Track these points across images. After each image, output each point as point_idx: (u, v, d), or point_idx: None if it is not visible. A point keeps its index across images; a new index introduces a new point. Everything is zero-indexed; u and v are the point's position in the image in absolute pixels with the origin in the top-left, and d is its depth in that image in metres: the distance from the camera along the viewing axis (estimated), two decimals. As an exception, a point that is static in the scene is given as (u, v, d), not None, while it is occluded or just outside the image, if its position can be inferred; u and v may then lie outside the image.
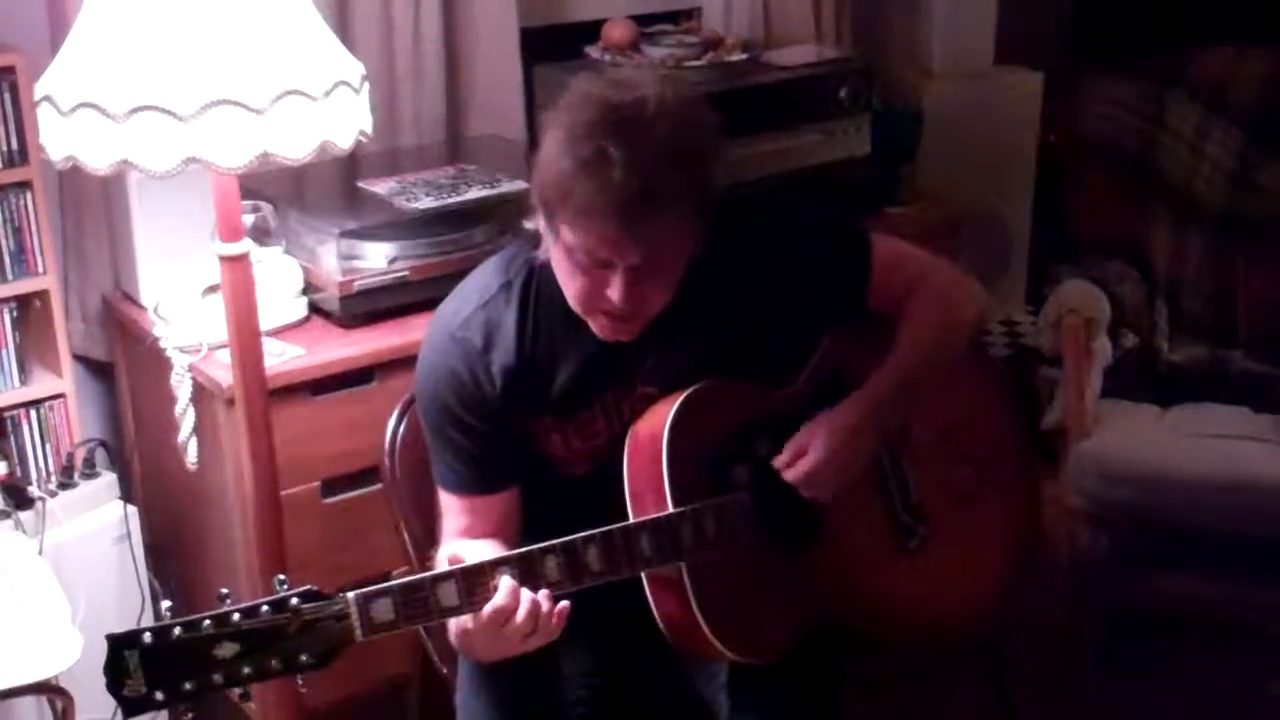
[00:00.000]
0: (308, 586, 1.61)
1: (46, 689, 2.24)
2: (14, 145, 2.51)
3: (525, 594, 1.67)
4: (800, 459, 1.88)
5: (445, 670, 2.09)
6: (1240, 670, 2.92)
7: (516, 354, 1.84)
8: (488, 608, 1.66)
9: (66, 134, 1.90)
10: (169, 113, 1.84)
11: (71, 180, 2.71)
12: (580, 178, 1.65)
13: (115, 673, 1.53)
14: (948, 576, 2.03)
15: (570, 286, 1.77)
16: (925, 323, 1.98)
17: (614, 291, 1.72)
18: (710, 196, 1.73)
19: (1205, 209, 3.23)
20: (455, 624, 1.73)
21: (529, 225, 1.80)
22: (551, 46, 3.37)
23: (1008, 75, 4.23)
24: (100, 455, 2.70)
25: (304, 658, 1.59)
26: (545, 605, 1.68)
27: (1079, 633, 2.92)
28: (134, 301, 2.72)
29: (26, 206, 2.55)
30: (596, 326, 1.80)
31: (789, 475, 1.88)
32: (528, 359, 1.84)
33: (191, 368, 2.48)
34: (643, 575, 1.79)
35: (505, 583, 1.67)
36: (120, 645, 1.53)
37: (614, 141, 1.64)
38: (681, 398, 1.83)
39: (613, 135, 1.65)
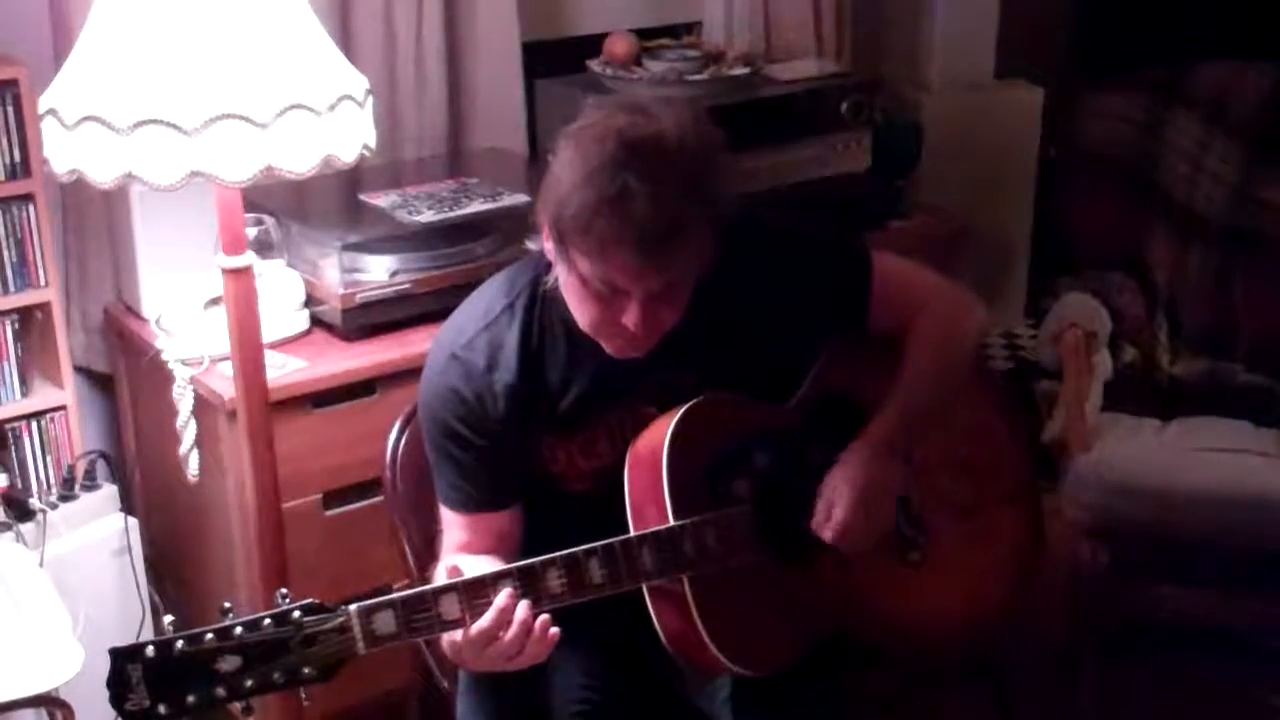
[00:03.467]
0: (309, 600, 1.61)
1: (47, 701, 2.24)
2: (16, 158, 2.52)
3: (517, 615, 1.67)
4: (830, 517, 1.87)
5: (445, 684, 2.08)
6: (1241, 683, 2.92)
7: (520, 374, 1.83)
8: (475, 627, 1.66)
9: (71, 147, 1.90)
10: (173, 126, 1.84)
11: (74, 192, 2.71)
12: (602, 212, 1.64)
13: (118, 686, 1.53)
14: (949, 588, 2.02)
15: (582, 312, 1.77)
16: (929, 348, 1.98)
17: (630, 318, 1.72)
18: (722, 218, 1.74)
19: (1206, 222, 3.23)
20: (446, 636, 1.72)
21: (532, 246, 1.79)
22: (553, 61, 3.38)
23: (1008, 89, 4.25)
24: (101, 467, 2.70)
25: (307, 671, 1.59)
26: (536, 629, 1.67)
27: (1079, 645, 2.91)
28: (136, 314, 2.72)
29: (29, 219, 2.56)
30: (608, 345, 1.80)
31: (826, 536, 1.87)
32: (531, 379, 1.84)
33: (193, 380, 2.49)
34: (644, 588, 1.78)
35: (495, 603, 1.66)
36: (123, 659, 1.53)
37: (635, 176, 1.63)
38: (681, 412, 1.83)
39: (634, 169, 1.64)
